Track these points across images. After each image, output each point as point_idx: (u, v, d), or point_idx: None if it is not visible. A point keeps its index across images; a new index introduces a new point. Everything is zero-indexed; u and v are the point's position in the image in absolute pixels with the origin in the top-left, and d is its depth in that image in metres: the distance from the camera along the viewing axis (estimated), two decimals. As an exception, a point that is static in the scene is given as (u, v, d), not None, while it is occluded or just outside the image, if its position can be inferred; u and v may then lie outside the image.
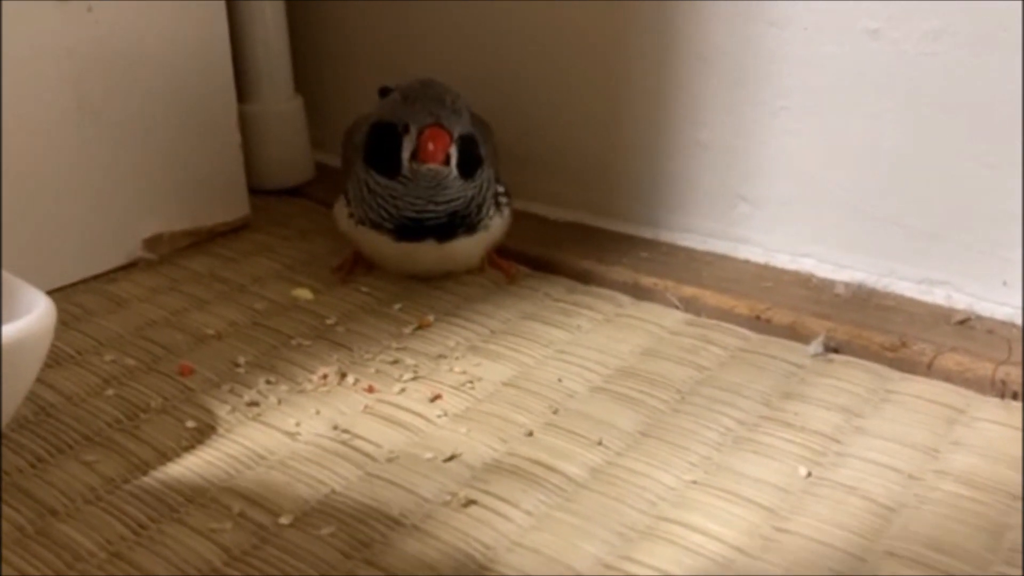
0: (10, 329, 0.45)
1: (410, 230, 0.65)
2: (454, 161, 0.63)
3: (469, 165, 0.64)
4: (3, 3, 0.62)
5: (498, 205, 0.68)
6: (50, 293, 0.49)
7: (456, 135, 0.63)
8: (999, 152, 0.60)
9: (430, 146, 0.62)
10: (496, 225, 0.68)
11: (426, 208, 0.64)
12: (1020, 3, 0.57)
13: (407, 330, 0.64)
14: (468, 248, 0.68)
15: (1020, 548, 0.44)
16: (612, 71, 0.74)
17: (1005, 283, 0.62)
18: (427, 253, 0.67)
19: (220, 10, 0.75)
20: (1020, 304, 0.61)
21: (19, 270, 0.51)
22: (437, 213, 0.65)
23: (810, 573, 0.43)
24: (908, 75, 0.62)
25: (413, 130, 0.63)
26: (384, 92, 0.74)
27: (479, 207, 0.66)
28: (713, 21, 0.68)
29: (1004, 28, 0.58)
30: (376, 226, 0.66)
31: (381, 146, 0.64)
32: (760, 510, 0.47)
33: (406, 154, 0.63)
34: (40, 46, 0.65)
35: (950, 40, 0.60)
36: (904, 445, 0.51)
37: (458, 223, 0.65)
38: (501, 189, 0.69)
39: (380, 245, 0.67)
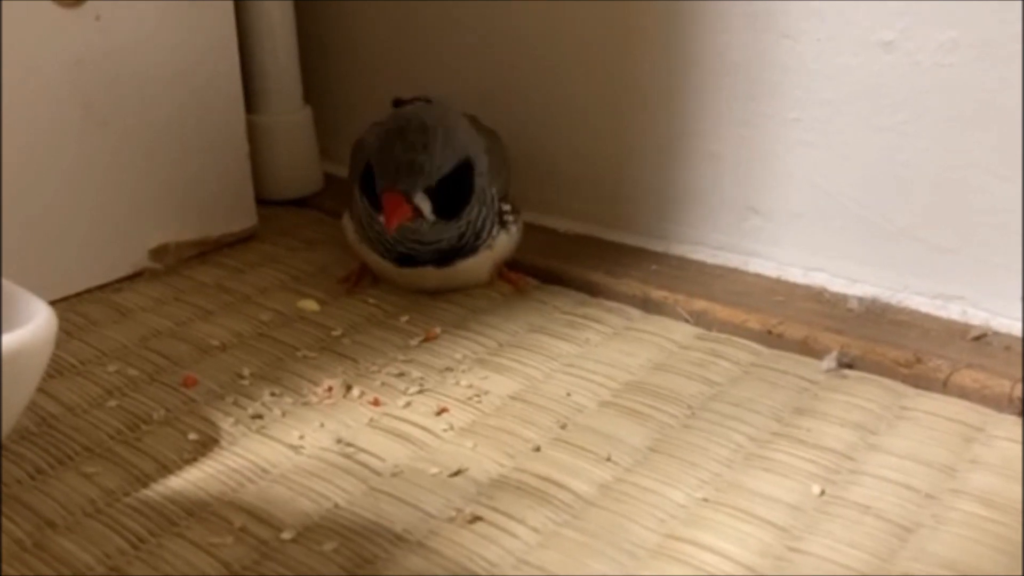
0: (9, 339, 0.44)
1: (408, 259, 0.65)
2: (428, 210, 0.61)
3: (451, 206, 0.62)
4: (11, 12, 0.62)
5: (503, 224, 0.66)
6: (54, 303, 0.49)
7: (425, 185, 0.60)
8: (1015, 164, 0.59)
9: (381, 217, 0.61)
10: (501, 242, 0.67)
11: (413, 247, 0.64)
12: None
13: (413, 342, 0.63)
14: (471, 268, 0.67)
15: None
16: (623, 82, 0.74)
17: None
18: (430, 276, 0.67)
19: (229, 20, 0.75)
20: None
21: (24, 279, 0.50)
22: (425, 252, 0.65)
23: (824, 594, 0.42)
24: (923, 87, 0.61)
25: (380, 185, 0.61)
26: (397, 103, 0.73)
27: (476, 234, 0.65)
28: (726, 33, 0.68)
29: (1020, 39, 0.57)
30: (378, 252, 0.66)
31: (366, 186, 0.63)
32: (772, 529, 0.45)
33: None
34: (47, 55, 0.65)
35: (965, 51, 0.59)
36: (920, 463, 0.50)
37: (454, 254, 0.65)
38: (507, 208, 0.67)
39: (383, 266, 0.68)
